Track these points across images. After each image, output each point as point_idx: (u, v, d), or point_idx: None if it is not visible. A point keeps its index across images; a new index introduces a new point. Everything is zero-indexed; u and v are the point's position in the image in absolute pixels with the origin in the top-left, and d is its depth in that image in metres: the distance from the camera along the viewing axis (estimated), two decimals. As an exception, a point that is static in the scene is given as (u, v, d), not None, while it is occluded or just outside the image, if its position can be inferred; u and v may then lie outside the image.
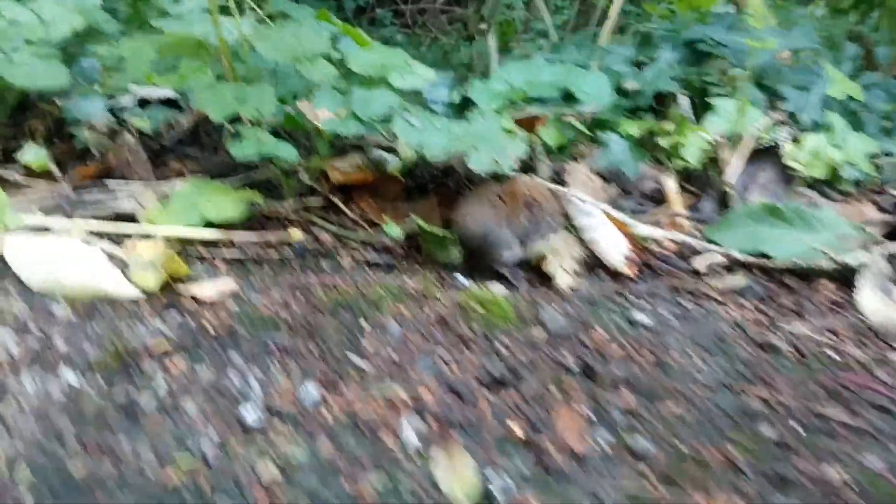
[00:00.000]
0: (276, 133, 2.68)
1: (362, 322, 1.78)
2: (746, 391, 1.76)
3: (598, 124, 2.66)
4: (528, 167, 2.63)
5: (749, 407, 1.73)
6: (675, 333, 1.95)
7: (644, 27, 3.36)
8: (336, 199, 2.32)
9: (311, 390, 1.53)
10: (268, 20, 2.33)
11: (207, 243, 2.09)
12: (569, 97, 2.92)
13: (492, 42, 7.47)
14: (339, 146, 2.72)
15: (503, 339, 1.81)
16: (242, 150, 1.98)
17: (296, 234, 2.08)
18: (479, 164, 2.00)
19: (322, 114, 2.96)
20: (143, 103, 2.63)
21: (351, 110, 2.10)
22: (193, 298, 1.83)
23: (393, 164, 2.43)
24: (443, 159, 2.02)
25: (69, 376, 1.55)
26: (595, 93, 2.31)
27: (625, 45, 3.12)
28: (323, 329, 1.74)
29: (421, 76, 2.21)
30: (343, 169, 2.37)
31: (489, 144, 2.06)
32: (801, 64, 3.30)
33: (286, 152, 2.04)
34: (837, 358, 1.94)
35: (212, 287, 1.86)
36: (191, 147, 2.49)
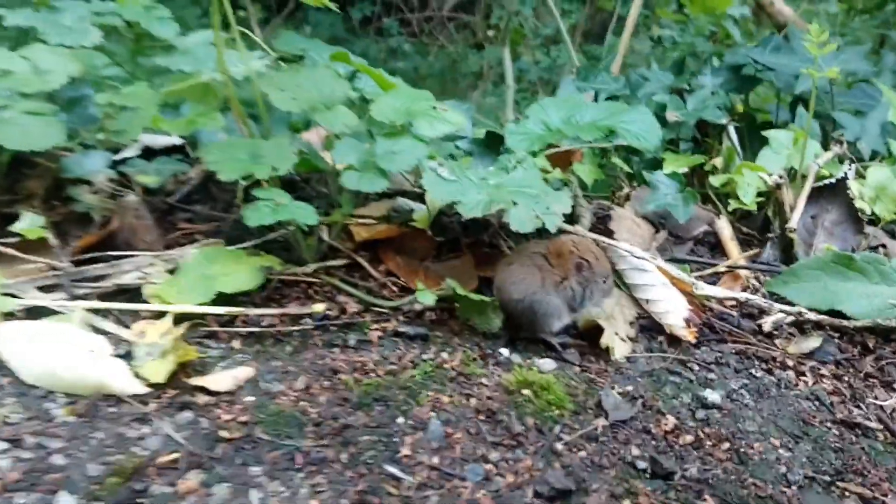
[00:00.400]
0: (290, 183, 2.47)
1: (399, 419, 1.56)
2: (843, 489, 1.53)
3: (648, 164, 2.44)
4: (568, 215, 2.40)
5: (850, 512, 1.50)
6: (752, 415, 1.72)
7: (677, 49, 3.13)
8: (361, 259, 2.10)
9: (344, 517, 1.31)
10: (280, 62, 2.11)
11: (219, 318, 1.87)
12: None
13: (507, 54, 7.26)
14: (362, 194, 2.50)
15: (560, 434, 1.58)
16: (258, 219, 1.76)
17: (318, 307, 1.86)
18: (519, 223, 1.78)
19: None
20: (148, 154, 2.41)
21: (374, 163, 1.88)
22: (205, 389, 1.61)
23: (419, 213, 2.21)
24: (478, 216, 1.80)
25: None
26: (643, 133, 2.09)
27: (661, 71, 2.89)
28: (354, 429, 1.52)
29: (450, 122, 1.98)
30: (367, 221, 2.15)
31: (530, 199, 1.84)
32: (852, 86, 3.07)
33: (305, 215, 1.82)
34: (939, 440, 1.71)
35: (225, 376, 1.64)
36: (202, 204, 2.28)
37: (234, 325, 1.86)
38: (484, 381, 1.72)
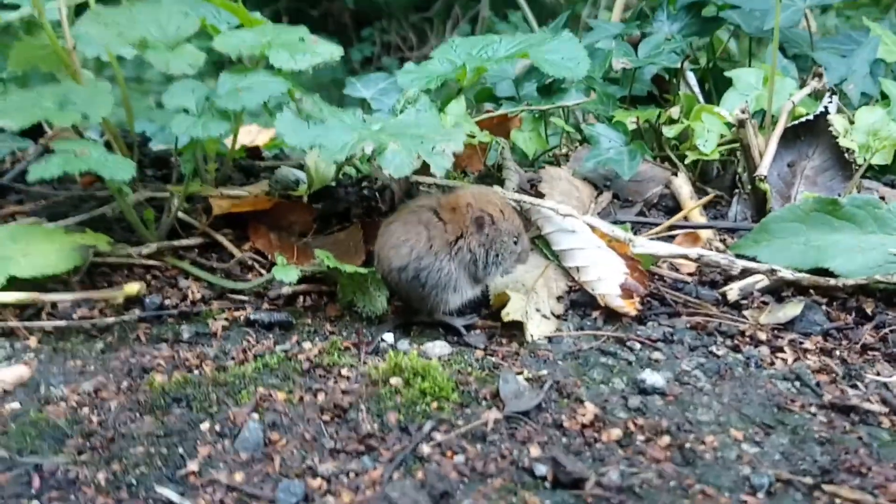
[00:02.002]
0: (163, 160, 2.06)
1: (202, 424, 1.12)
2: (832, 494, 1.07)
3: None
4: (494, 178, 1.98)
5: (841, 526, 1.04)
6: (708, 401, 1.27)
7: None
8: (220, 237, 1.68)
9: (65, 565, 0.87)
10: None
11: (23, 309, 1.45)
12: (547, 90, 2.29)
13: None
14: (249, 168, 2.09)
15: (432, 433, 1.14)
16: (42, 171, 1.35)
17: (130, 288, 1.44)
18: (391, 164, 1.36)
19: (243, 136, 2.34)
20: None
21: (213, 103, 1.47)
22: (-45, 399, 1.18)
23: (304, 184, 1.80)
24: (340, 159, 1.38)
25: None
26: (567, 63, 1.67)
27: (613, 22, 2.48)
28: (129, 440, 1.08)
29: (317, 53, 1.57)
30: (234, 193, 1.73)
31: (413, 139, 1.42)
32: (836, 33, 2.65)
33: (117, 169, 1.40)
34: (962, 422, 1.25)
35: (-12, 378, 1.22)
36: (42, 183, 1.87)
37: (38, 318, 1.44)
38: (345, 372, 1.29)
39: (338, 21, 9.56)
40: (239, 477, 1.02)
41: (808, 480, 1.09)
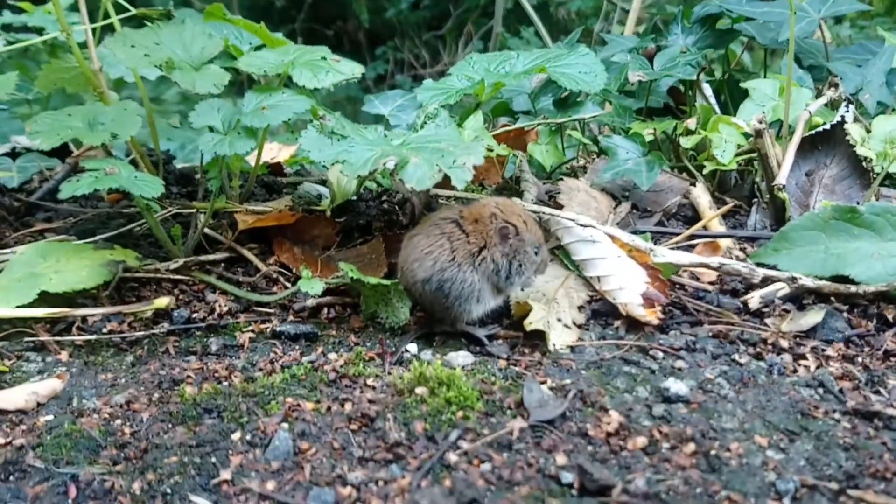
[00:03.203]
0: (187, 177, 2.10)
1: (234, 434, 1.14)
2: (858, 499, 1.08)
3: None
4: (512, 191, 2.00)
5: (868, 531, 1.04)
6: (732, 409, 1.28)
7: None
8: (246, 252, 1.71)
9: (104, 571, 0.89)
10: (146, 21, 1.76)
11: (54, 323, 1.49)
12: (563, 103, 2.31)
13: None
14: (271, 185, 2.12)
15: (458, 441, 1.15)
16: (73, 189, 1.39)
17: (159, 302, 1.47)
18: (413, 178, 1.38)
19: (266, 153, 2.38)
20: (19, 154, 2.07)
21: (238, 121, 1.50)
22: (-7, 410, 1.21)
23: (326, 199, 1.83)
24: (363, 174, 1.41)
25: None
26: (583, 76, 1.69)
27: (628, 36, 2.51)
28: (163, 450, 1.10)
29: (340, 72, 1.60)
30: (258, 208, 1.76)
31: (433, 153, 1.44)
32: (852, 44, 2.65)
33: (147, 187, 1.44)
34: None
35: (20, 392, 1.25)
36: (71, 201, 1.91)
37: (69, 333, 1.47)
38: (371, 382, 1.31)
39: (353, 40, 9.65)
40: (270, 485, 1.04)
41: (834, 486, 1.10)
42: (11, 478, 1.05)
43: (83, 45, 1.72)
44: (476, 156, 1.46)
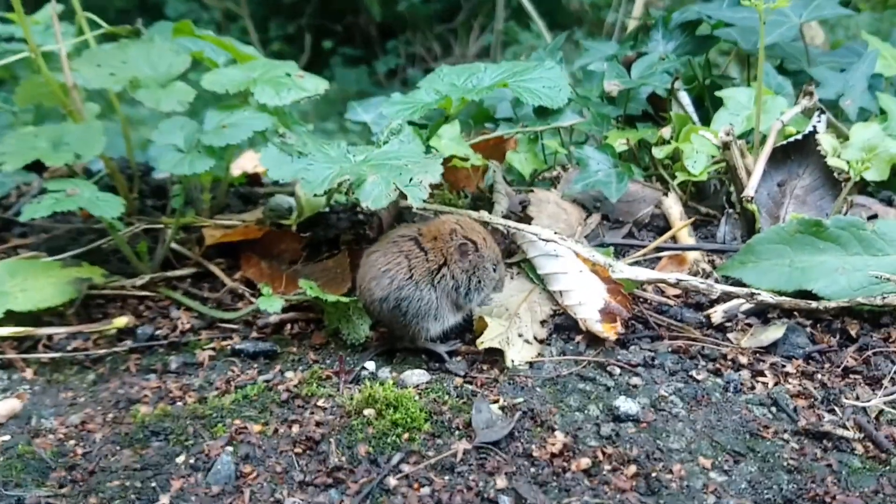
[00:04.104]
0: (161, 189, 2.12)
1: (178, 457, 1.16)
2: (794, 524, 1.08)
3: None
4: (486, 200, 2.01)
5: (799, 557, 1.05)
6: (681, 428, 1.28)
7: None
8: (213, 267, 1.73)
9: None
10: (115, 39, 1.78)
11: (20, 341, 1.51)
12: (543, 111, 2.30)
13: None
14: (248, 196, 2.14)
15: (401, 464, 1.16)
16: (34, 211, 1.41)
17: (119, 321, 1.49)
18: (369, 196, 1.39)
19: (245, 162, 2.40)
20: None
21: (198, 140, 1.52)
22: (-51, 431, 1.24)
23: (295, 213, 1.84)
24: (320, 192, 1.42)
25: None
26: (547, 91, 1.69)
27: (608, 42, 2.50)
28: (108, 473, 1.12)
29: (302, 89, 1.61)
30: (225, 222, 1.78)
31: (392, 170, 1.45)
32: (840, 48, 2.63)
33: (108, 208, 1.46)
34: (937, 449, 1.25)
35: (-21, 412, 1.27)
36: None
37: (35, 350, 1.50)
38: (321, 402, 1.32)
39: (364, 33, 9.64)
40: (208, 511, 1.05)
41: (773, 511, 1.10)
42: (-38, 501, 1.08)
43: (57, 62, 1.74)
44: (433, 173, 1.46)
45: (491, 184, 2.08)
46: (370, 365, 1.46)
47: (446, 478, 1.14)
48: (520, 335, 1.54)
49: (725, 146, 1.76)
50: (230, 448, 1.17)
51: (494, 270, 1.51)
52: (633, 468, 1.17)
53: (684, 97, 2.18)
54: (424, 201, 1.43)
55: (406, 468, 1.15)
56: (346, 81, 9.11)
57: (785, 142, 1.88)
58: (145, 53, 1.70)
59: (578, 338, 1.55)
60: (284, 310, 1.56)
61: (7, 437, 1.23)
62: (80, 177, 1.70)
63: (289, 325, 1.60)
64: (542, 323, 1.60)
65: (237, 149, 1.73)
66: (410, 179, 1.44)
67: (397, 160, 1.52)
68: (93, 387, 1.40)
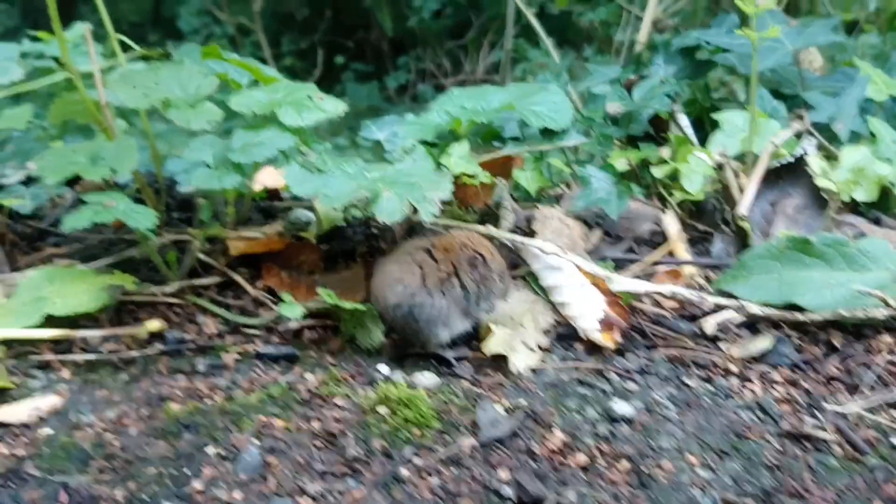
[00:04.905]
0: (188, 203, 2.24)
1: (208, 447, 1.27)
2: (772, 515, 1.18)
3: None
4: (492, 217, 2.11)
5: (775, 545, 1.15)
6: (672, 429, 1.39)
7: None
8: (236, 276, 1.84)
9: (83, 569, 1.02)
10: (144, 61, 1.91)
11: (57, 343, 1.62)
12: (548, 131, 2.41)
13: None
14: (268, 210, 2.25)
15: (412, 457, 1.27)
16: (75, 222, 1.52)
17: (151, 325, 1.60)
18: (384, 211, 1.50)
19: (266, 178, 2.52)
20: (32, 181, 2.22)
21: (227, 158, 1.64)
22: (-2, 423, 1.35)
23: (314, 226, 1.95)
24: (340, 207, 1.53)
25: None
26: (551, 114, 1.81)
27: (609, 65, 2.62)
28: (144, 461, 1.23)
29: (322, 110, 1.73)
30: (248, 235, 1.89)
31: (405, 187, 1.56)
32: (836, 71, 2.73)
33: (141, 219, 1.57)
34: (909, 451, 1.35)
35: (24, 407, 1.38)
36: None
37: (71, 352, 1.61)
38: (339, 401, 1.43)
39: (375, 49, 9.79)
40: (237, 495, 1.16)
41: (751, 502, 1.20)
42: (11, 485, 1.19)
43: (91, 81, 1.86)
44: (443, 190, 1.58)
45: (498, 201, 2.19)
46: (384, 368, 1.57)
47: (454, 470, 1.25)
48: (524, 343, 1.64)
49: (720, 167, 1.87)
50: (256, 441, 1.28)
51: (500, 281, 1.62)
52: (626, 464, 1.28)
53: (683, 119, 2.29)
54: (435, 216, 1.54)
55: (417, 461, 1.26)
56: (357, 97, 9.26)
57: (777, 163, 1.99)
58: (176, 75, 1.81)
59: (579, 346, 1.66)
60: (304, 317, 1.67)
61: (49, 431, 1.34)
62: (114, 189, 1.81)
63: (308, 331, 1.71)
64: (545, 332, 1.70)
65: (261, 166, 1.85)
66: (422, 196, 1.56)
67: (410, 178, 1.64)
68: (126, 386, 1.51)
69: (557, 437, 1.32)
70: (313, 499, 1.16)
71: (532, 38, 8.84)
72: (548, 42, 4.75)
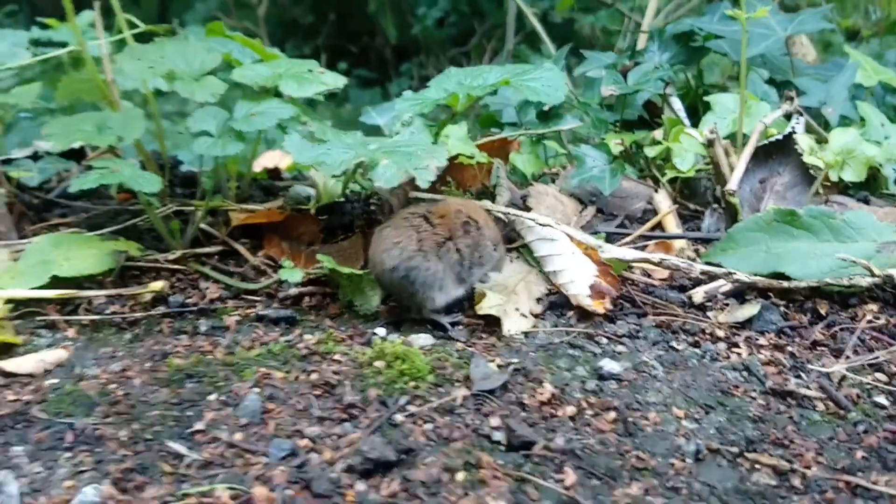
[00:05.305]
0: (192, 179, 2.28)
1: (210, 395, 1.31)
2: (753, 461, 1.22)
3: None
4: (490, 195, 2.16)
5: (757, 485, 1.19)
6: (659, 386, 1.43)
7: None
8: (238, 245, 1.88)
9: (89, 496, 1.05)
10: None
11: (64, 304, 1.67)
12: (545, 115, 2.47)
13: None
14: (269, 188, 2.30)
15: (407, 405, 1.31)
16: (81, 184, 1.57)
17: (155, 285, 1.64)
18: (382, 177, 1.54)
19: (266, 160, 2.57)
20: (40, 157, 2.27)
21: (230, 126, 1.68)
22: (3, 372, 1.39)
23: (314, 199, 2.00)
24: (338, 174, 1.58)
25: None
26: (546, 89, 1.85)
27: (607, 52, 2.67)
28: (148, 406, 1.28)
29: (323, 83, 1.78)
30: (249, 207, 1.94)
31: (402, 156, 1.61)
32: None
33: (146, 183, 1.62)
34: (888, 406, 1.39)
35: (30, 359, 1.43)
36: (84, 198, 2.10)
37: (76, 312, 1.66)
38: (337, 357, 1.47)
39: (379, 56, 9.86)
40: (238, 436, 1.20)
41: (734, 449, 1.24)
42: (18, 426, 1.23)
43: (99, 59, 1.91)
44: (439, 159, 1.62)
45: (495, 181, 2.24)
46: (380, 331, 1.61)
47: (447, 417, 1.29)
48: (516, 309, 1.69)
49: (710, 143, 1.91)
50: (256, 389, 1.32)
51: (495, 249, 1.67)
52: (612, 415, 1.32)
53: (676, 102, 2.34)
54: (431, 183, 1.58)
55: (412, 408, 1.30)
56: (360, 103, 9.32)
57: (767, 141, 2.04)
58: (181, 50, 1.86)
59: (570, 313, 1.70)
60: (303, 283, 1.71)
61: (55, 381, 1.38)
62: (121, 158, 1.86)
63: (307, 298, 1.75)
64: (538, 300, 1.74)
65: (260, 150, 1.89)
66: (419, 164, 1.60)
67: (408, 147, 1.68)
68: (130, 344, 1.55)
69: (547, 390, 1.36)
70: (311, 440, 1.20)
71: (534, 44, 8.92)
72: (550, 46, 4.80)
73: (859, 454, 1.26)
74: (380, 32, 9.73)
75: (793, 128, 2.02)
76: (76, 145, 2.33)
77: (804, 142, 2.01)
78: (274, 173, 2.42)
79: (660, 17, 4.12)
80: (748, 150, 1.98)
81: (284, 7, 9.70)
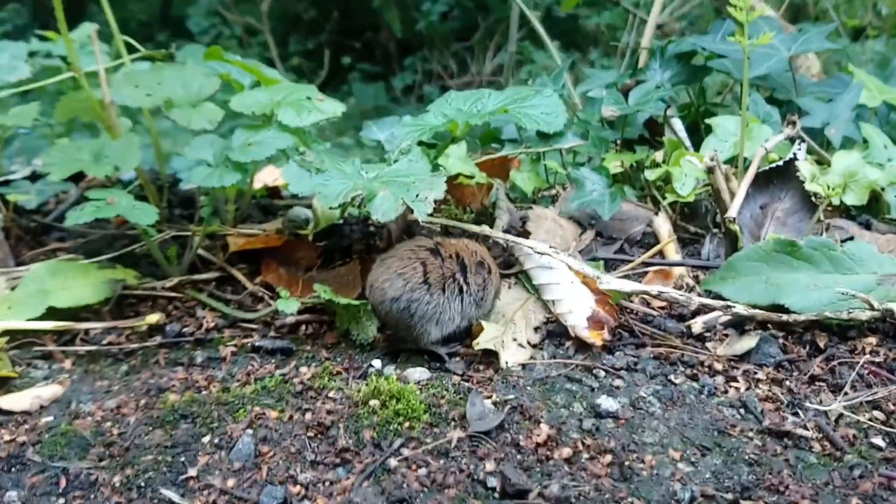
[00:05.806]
0: (189, 200, 2.28)
1: (204, 437, 1.31)
2: (748, 509, 1.22)
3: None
4: (488, 216, 2.15)
5: (750, 536, 1.18)
6: (656, 425, 1.42)
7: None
8: (235, 272, 1.88)
9: (80, 549, 1.06)
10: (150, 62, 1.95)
11: (60, 335, 1.67)
12: (545, 133, 2.45)
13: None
14: (268, 207, 2.30)
15: (401, 448, 1.31)
16: (77, 218, 1.57)
17: (151, 318, 1.64)
18: (379, 210, 1.54)
19: (266, 176, 2.56)
20: (38, 177, 2.27)
21: (226, 156, 1.68)
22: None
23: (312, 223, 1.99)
24: (335, 205, 1.57)
25: None
26: (545, 117, 1.84)
27: (608, 70, 2.65)
28: (142, 449, 1.27)
29: (321, 111, 1.77)
30: (247, 231, 1.93)
31: (400, 187, 1.60)
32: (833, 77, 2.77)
33: (142, 215, 1.62)
34: (884, 448, 1.38)
35: (26, 396, 1.43)
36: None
37: (73, 343, 1.66)
38: (332, 394, 1.47)
39: (383, 50, 9.84)
40: (231, 482, 1.20)
41: (729, 496, 1.23)
42: (13, 469, 1.23)
43: (97, 82, 1.91)
44: (437, 190, 1.61)
45: (494, 201, 2.23)
46: (377, 363, 1.61)
47: (441, 461, 1.28)
48: (514, 339, 1.68)
49: (710, 170, 1.90)
50: (250, 431, 1.32)
51: (494, 298, 1.67)
52: (609, 457, 1.31)
53: (677, 123, 2.33)
54: (430, 215, 1.58)
55: (406, 452, 1.29)
56: (363, 97, 9.32)
57: (768, 167, 2.02)
58: (179, 76, 1.86)
59: (568, 343, 1.69)
60: (300, 311, 1.71)
61: (50, 419, 1.38)
62: (118, 186, 1.85)
63: (304, 326, 1.75)
64: (536, 329, 1.74)
65: (260, 166, 1.89)
66: (417, 195, 1.59)
67: (406, 177, 1.67)
68: (126, 377, 1.55)
69: (543, 430, 1.36)
70: (304, 487, 1.20)
71: (537, 40, 8.85)
72: (552, 47, 4.78)
73: (854, 501, 1.25)
74: (384, 27, 9.71)
75: (794, 153, 2.01)
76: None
77: (806, 168, 1.99)
78: (273, 191, 2.41)
79: (665, 13, 4.10)
80: (749, 177, 1.96)
81: (288, 2, 9.69)
